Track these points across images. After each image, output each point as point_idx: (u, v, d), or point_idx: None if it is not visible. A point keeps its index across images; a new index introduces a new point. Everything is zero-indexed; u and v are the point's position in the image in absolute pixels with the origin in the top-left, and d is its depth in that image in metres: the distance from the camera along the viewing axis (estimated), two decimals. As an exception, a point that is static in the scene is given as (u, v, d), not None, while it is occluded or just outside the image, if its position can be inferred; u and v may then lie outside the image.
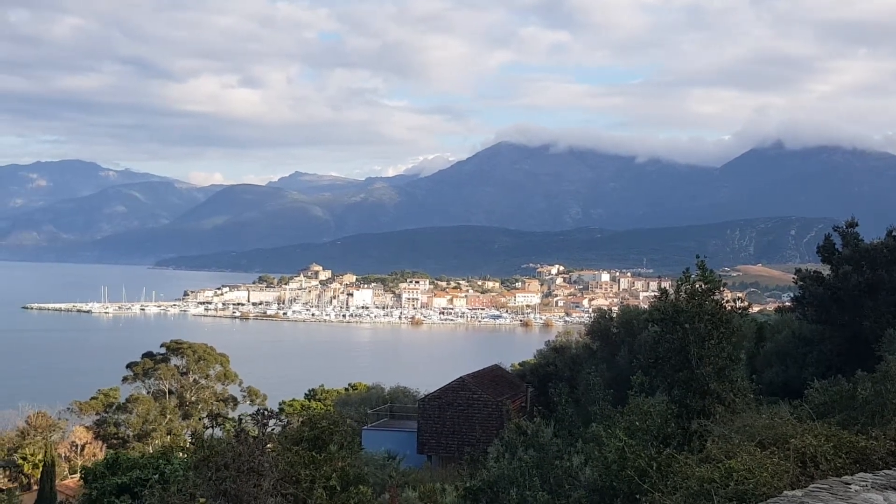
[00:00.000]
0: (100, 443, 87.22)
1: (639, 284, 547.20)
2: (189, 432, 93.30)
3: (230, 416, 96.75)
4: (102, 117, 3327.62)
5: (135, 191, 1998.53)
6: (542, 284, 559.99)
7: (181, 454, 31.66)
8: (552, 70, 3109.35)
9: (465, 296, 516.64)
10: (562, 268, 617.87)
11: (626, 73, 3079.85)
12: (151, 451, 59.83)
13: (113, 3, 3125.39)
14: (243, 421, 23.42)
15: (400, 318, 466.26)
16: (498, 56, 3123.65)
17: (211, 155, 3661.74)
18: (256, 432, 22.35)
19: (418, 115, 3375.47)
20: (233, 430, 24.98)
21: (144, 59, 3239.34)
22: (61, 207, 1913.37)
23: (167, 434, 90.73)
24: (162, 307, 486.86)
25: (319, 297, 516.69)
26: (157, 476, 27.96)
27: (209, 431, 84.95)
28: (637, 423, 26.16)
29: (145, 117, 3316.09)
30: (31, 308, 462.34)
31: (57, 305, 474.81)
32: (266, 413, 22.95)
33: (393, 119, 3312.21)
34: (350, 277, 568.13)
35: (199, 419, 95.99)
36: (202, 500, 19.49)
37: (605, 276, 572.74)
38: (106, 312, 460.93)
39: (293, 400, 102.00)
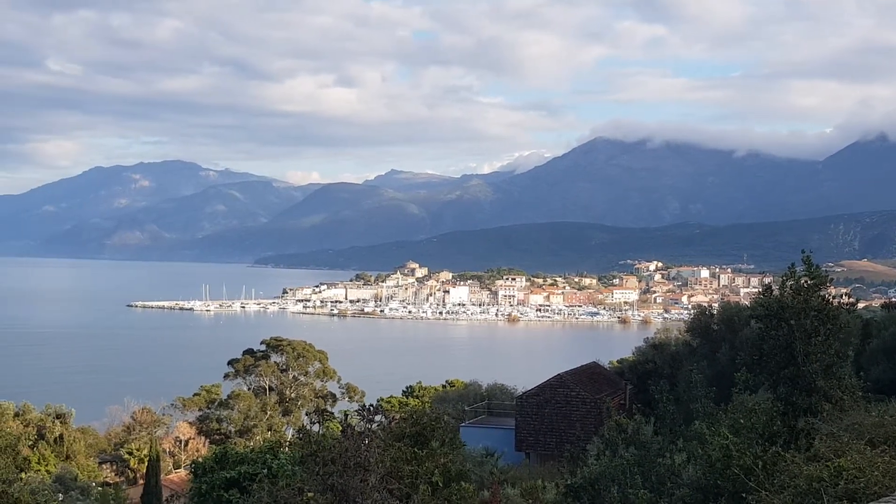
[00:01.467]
0: (202, 438, 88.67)
1: (739, 280, 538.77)
2: (289, 428, 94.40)
3: (330, 412, 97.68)
4: (202, 118, 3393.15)
5: (234, 190, 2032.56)
6: (639, 281, 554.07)
7: (287, 449, 31.90)
8: (648, 64, 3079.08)
9: (562, 293, 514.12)
10: (660, 264, 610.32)
11: (725, 66, 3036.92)
12: (254, 447, 60.67)
13: (211, 5, 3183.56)
14: (349, 416, 23.45)
15: (496, 315, 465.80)
16: (593, 51, 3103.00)
17: (308, 154, 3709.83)
18: (362, 428, 22.44)
19: (513, 112, 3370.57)
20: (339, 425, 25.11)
21: (242, 60, 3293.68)
22: (163, 207, 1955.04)
23: (268, 430, 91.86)
24: (261, 305, 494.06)
25: (416, 294, 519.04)
26: (265, 471, 28.19)
27: (315, 427, 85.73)
28: (742, 421, 25.67)
29: (243, 118, 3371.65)
30: (136, 306, 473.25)
31: (160, 303, 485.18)
32: (372, 409, 22.95)
33: (488, 116, 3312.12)
34: (446, 275, 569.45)
35: (307, 413, 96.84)
36: (310, 494, 19.63)
37: (705, 273, 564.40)
38: (207, 310, 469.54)
39: (391, 397, 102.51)
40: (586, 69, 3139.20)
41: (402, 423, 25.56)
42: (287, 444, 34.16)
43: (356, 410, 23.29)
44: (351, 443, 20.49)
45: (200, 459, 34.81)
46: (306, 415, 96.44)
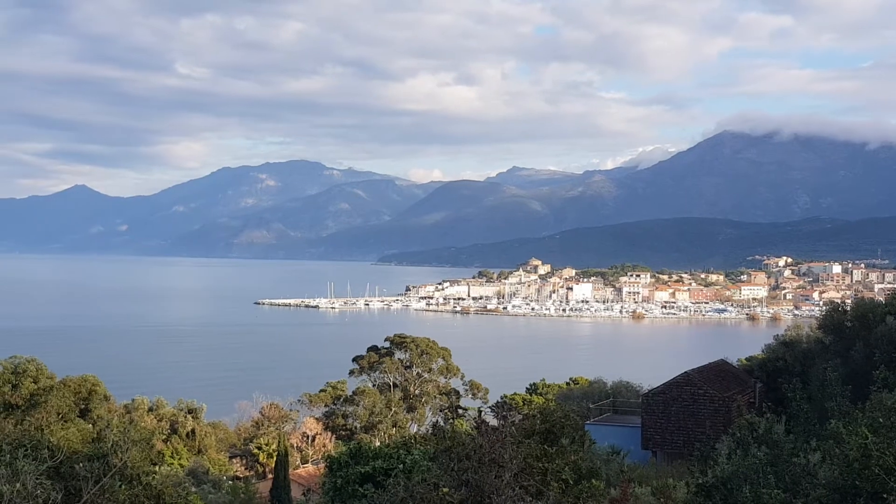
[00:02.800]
0: (329, 434, 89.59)
1: (873, 276, 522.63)
2: (413, 425, 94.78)
3: (464, 408, 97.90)
4: (325, 118, 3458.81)
5: (358, 189, 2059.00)
6: (768, 277, 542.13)
7: (420, 445, 31.88)
8: (775, 56, 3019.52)
9: (688, 289, 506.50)
10: (789, 259, 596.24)
11: (855, 56, 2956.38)
12: (384, 442, 60.94)
13: (334, 6, 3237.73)
14: (482, 413, 23.41)
15: (620, 312, 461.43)
16: (717, 43, 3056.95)
17: (430, 152, 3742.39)
18: (496, 424, 22.25)
19: (636, 107, 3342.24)
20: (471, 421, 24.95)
21: (364, 61, 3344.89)
22: (289, 206, 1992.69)
23: (392, 426, 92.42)
24: (385, 302, 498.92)
25: (539, 291, 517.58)
26: (400, 466, 28.17)
27: (449, 423, 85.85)
28: (881, 420, 24.59)
29: (366, 117, 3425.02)
30: (263, 304, 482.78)
31: (286, 301, 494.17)
32: (506, 405, 22.71)
33: (610, 111, 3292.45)
34: (569, 271, 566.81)
35: (441, 409, 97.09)
36: (445, 489, 19.49)
37: (837, 268, 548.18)
38: (332, 307, 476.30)
39: (514, 394, 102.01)
40: (710, 62, 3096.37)
41: (532, 420, 25.21)
42: (421, 439, 34.08)
43: (490, 407, 23.13)
44: (485, 439, 20.32)
45: (335, 454, 35.07)
46: (440, 411, 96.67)
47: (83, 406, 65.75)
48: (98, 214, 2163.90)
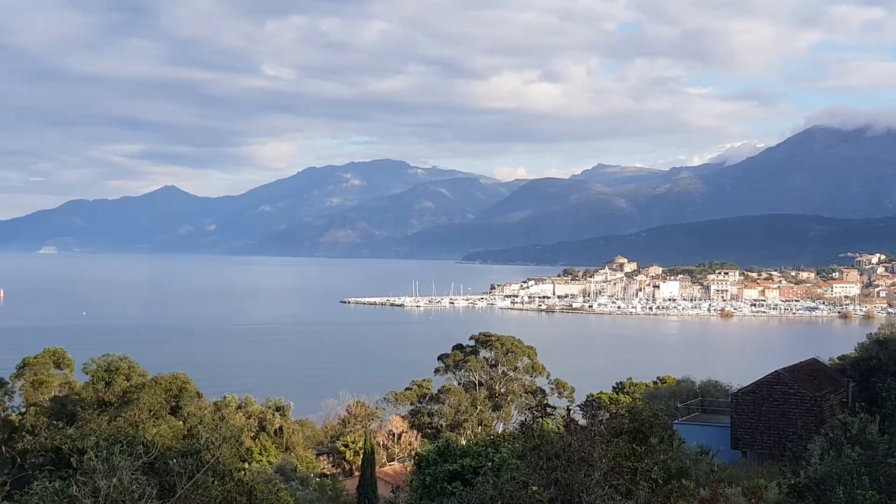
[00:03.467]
0: (414, 432, 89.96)
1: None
2: (499, 423, 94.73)
3: (553, 406, 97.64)
4: (409, 117, 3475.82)
5: (442, 187, 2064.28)
6: (861, 274, 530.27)
7: (508, 443, 31.87)
8: (866, 49, 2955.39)
9: (778, 287, 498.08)
10: (883, 257, 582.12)
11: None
12: (465, 441, 61.01)
13: (417, 5, 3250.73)
14: (571, 411, 23.21)
15: (709, 310, 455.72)
16: (806, 37, 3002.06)
17: (514, 150, 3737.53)
18: (585, 423, 22.17)
19: (723, 102, 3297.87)
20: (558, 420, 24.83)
21: (447, 59, 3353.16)
22: (374, 205, 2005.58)
23: (478, 425, 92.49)
24: (470, 300, 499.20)
25: (625, 289, 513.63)
26: (489, 464, 28.18)
27: (538, 421, 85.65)
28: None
29: (450, 116, 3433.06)
30: (349, 302, 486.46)
31: (371, 299, 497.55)
32: (595, 404, 22.62)
33: (696, 107, 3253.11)
34: (656, 269, 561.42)
35: (530, 408, 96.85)
36: (534, 488, 19.46)
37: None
38: (417, 306, 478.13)
39: (601, 392, 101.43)
40: (799, 56, 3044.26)
41: (620, 419, 25.05)
42: (509, 438, 34.06)
43: (579, 405, 23.03)
44: (575, 438, 20.23)
45: (423, 452, 35.22)
46: (527, 409, 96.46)
47: (174, 403, 66.89)
48: (187, 215, 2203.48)
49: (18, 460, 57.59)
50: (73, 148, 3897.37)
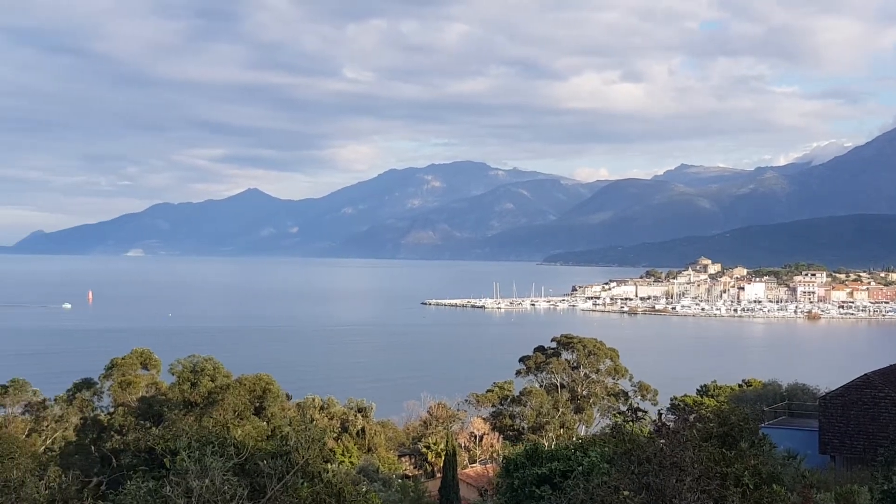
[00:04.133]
0: (496, 434, 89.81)
1: None
2: (581, 426, 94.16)
3: (643, 410, 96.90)
4: (489, 119, 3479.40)
5: (522, 189, 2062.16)
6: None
7: (597, 447, 31.69)
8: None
9: (867, 288, 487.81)
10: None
11: None
12: (547, 444, 60.79)
13: (498, 7, 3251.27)
14: (662, 415, 23.07)
15: (795, 312, 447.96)
16: (893, 34, 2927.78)
17: (595, 151, 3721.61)
18: (676, 427, 21.97)
19: (809, 101, 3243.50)
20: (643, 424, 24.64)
21: (528, 60, 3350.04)
22: (454, 207, 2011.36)
23: (560, 427, 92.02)
24: (551, 302, 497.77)
25: (709, 291, 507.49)
26: (579, 468, 28.04)
27: (629, 426, 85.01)
28: None
29: (530, 117, 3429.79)
30: (430, 304, 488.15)
31: (452, 301, 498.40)
32: (686, 408, 22.41)
33: (782, 106, 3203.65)
34: (740, 271, 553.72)
35: (619, 412, 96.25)
36: (626, 493, 19.33)
37: None
38: (498, 308, 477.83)
39: (685, 395, 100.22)
40: (886, 54, 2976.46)
41: (710, 423, 24.75)
42: (599, 441, 33.84)
43: (668, 408, 22.83)
44: (666, 442, 20.06)
45: (512, 455, 35.23)
46: (618, 413, 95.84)
47: (258, 404, 67.66)
48: (269, 217, 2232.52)
49: (114, 460, 59.03)
50: (158, 152, 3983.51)
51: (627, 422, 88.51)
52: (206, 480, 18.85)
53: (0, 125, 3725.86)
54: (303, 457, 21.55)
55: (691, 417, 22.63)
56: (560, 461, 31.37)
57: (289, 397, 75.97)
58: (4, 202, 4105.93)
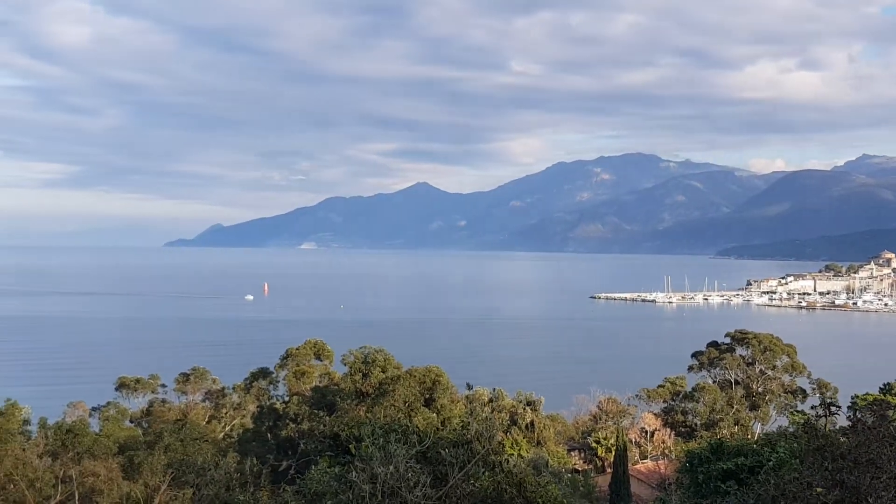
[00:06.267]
0: (668, 430, 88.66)
1: None
2: (756, 424, 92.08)
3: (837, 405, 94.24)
4: (659, 110, 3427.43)
5: (694, 181, 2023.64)
6: None
7: (786, 442, 31.05)
8: None
9: None
10: None
11: None
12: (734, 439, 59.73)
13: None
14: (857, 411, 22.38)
15: None
16: None
17: (771, 141, 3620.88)
18: (873, 424, 21.46)
19: None
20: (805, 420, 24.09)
21: (699, 50, 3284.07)
22: (624, 200, 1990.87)
23: (734, 424, 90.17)
24: (724, 297, 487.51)
25: (893, 286, 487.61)
26: (769, 463, 27.61)
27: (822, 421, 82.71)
28: None
29: (702, 107, 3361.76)
30: (598, 298, 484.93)
31: (622, 295, 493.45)
32: (884, 404, 21.81)
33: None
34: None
35: (813, 407, 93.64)
36: (819, 489, 19.03)
37: None
38: (669, 302, 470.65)
39: (866, 394, 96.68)
40: None
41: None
42: (788, 437, 33.16)
43: (867, 405, 22.16)
44: (862, 438, 19.63)
45: (696, 449, 34.86)
46: (811, 408, 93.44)
47: (427, 396, 68.60)
48: (438, 210, 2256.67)
49: (301, 446, 61.12)
50: (330, 147, 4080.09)
51: (819, 417, 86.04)
52: (391, 467, 19.48)
53: (180, 122, 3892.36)
54: (484, 447, 21.94)
55: (890, 413, 21.87)
56: (746, 456, 30.80)
57: (470, 387, 76.95)
58: (186, 197, 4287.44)
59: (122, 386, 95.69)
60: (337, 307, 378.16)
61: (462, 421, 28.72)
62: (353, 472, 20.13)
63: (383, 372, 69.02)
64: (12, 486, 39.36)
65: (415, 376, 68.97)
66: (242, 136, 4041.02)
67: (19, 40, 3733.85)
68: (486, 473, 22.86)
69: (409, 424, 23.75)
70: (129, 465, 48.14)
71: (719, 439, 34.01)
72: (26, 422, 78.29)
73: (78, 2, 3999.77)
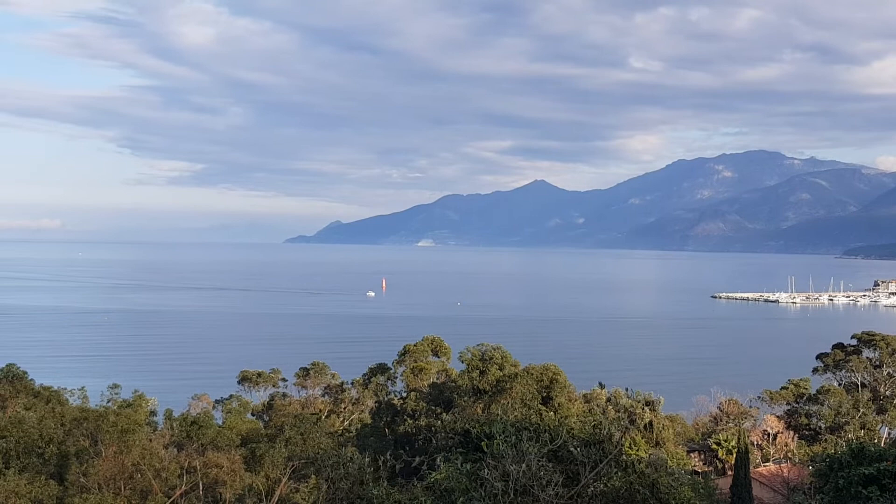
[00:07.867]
0: (791, 433, 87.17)
1: None
2: (884, 428, 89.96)
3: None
4: (783, 106, 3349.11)
5: (820, 178, 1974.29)
6: None
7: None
8: None
9: None
10: None
11: None
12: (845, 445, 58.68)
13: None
14: None
15: None
16: None
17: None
18: None
19: None
20: None
21: (824, 45, 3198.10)
22: (746, 198, 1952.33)
23: (861, 428, 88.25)
24: (851, 297, 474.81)
25: None
26: None
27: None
28: None
29: (827, 104, 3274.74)
30: (720, 297, 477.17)
31: (744, 295, 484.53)
32: None
33: None
34: None
35: None
36: None
37: None
38: (793, 302, 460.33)
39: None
40: None
41: None
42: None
43: None
44: None
45: (836, 454, 34.44)
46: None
47: (545, 394, 68.78)
48: (555, 208, 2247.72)
49: (434, 441, 62.18)
50: (447, 145, 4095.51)
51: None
52: (523, 465, 19.98)
53: (301, 121, 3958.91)
54: (616, 447, 22.28)
55: None
56: (890, 461, 30.15)
57: (602, 385, 76.99)
58: (307, 194, 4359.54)
59: (244, 379, 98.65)
60: (454, 304, 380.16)
61: (594, 420, 29.09)
62: (486, 470, 20.68)
63: (500, 369, 69.43)
64: (139, 475, 41.16)
65: (532, 374, 69.29)
66: (361, 134, 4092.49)
67: (146, 41, 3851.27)
68: (619, 473, 23.17)
69: (539, 422, 24.17)
70: (250, 458, 49.87)
71: (860, 443, 33.25)
72: (153, 413, 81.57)
73: (202, 3, 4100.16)
